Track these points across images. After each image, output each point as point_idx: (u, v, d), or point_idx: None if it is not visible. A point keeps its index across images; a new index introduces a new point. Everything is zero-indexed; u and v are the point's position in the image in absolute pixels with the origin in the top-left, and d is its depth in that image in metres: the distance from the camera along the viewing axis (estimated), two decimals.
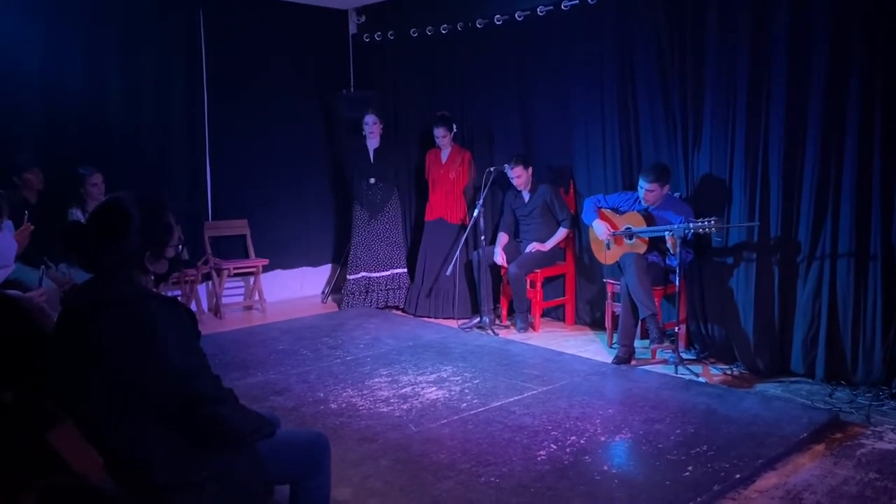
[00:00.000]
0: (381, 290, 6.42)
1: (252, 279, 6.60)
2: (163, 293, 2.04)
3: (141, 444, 1.85)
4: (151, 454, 1.85)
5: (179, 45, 6.16)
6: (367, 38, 7.04)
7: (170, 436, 1.87)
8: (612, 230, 4.96)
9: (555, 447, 3.37)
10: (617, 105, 5.34)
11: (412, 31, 6.59)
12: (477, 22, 6.13)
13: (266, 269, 6.57)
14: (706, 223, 4.36)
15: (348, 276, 6.41)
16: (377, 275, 6.43)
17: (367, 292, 6.41)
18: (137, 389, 1.83)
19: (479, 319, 5.72)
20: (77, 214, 5.09)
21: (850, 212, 4.18)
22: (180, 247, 2.07)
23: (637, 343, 4.85)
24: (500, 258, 5.71)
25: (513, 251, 5.80)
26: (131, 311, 1.85)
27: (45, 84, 5.48)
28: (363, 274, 6.40)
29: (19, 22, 5.34)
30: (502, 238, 5.87)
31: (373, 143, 6.36)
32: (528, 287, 5.65)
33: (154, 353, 1.82)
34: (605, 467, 3.16)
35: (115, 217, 1.93)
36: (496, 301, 6.00)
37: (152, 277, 2.01)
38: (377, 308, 6.37)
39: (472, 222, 5.79)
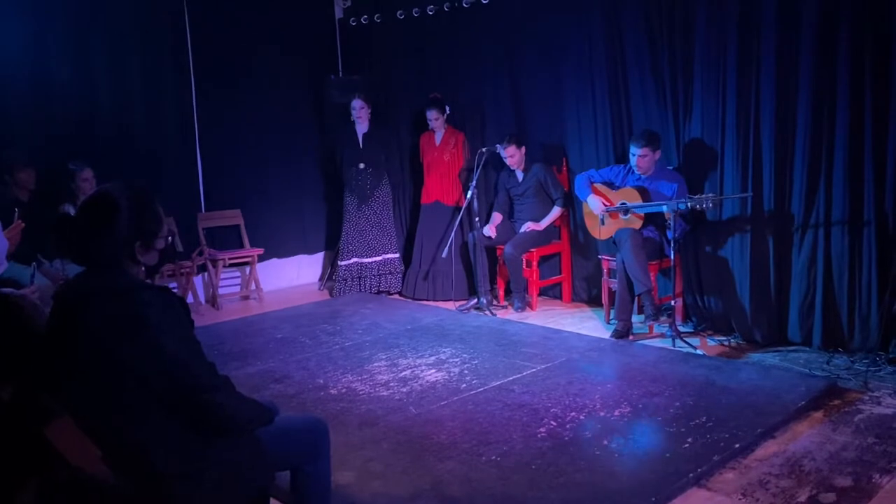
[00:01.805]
0: (373, 276, 6.42)
1: (248, 269, 6.59)
2: (156, 284, 2.03)
3: (138, 434, 1.85)
4: (149, 444, 1.86)
5: (165, 36, 6.10)
6: (353, 21, 6.98)
7: (167, 425, 1.87)
8: (606, 205, 4.95)
9: (555, 424, 3.38)
10: (607, 79, 5.32)
11: (398, 13, 6.53)
12: (463, 1, 6.08)
13: (262, 258, 6.56)
14: (702, 198, 4.35)
15: (340, 263, 6.40)
16: (369, 260, 6.41)
17: (359, 278, 6.40)
18: (133, 380, 1.83)
19: (476, 301, 5.72)
20: (69, 210, 5.07)
21: (842, 179, 4.18)
22: (170, 238, 2.06)
23: (634, 318, 4.87)
24: (489, 230, 5.71)
25: (508, 231, 5.80)
26: (124, 301, 1.85)
27: (33, 81, 5.42)
28: (355, 260, 6.39)
29: (4, 18, 5.28)
30: (496, 217, 5.87)
31: (361, 127, 6.32)
32: (524, 266, 5.65)
33: (148, 343, 1.82)
34: (606, 442, 3.18)
35: (104, 207, 1.92)
36: (493, 282, 6.00)
37: (143, 269, 2.01)
38: (371, 294, 6.37)
39: (466, 204, 5.78)
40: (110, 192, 1.95)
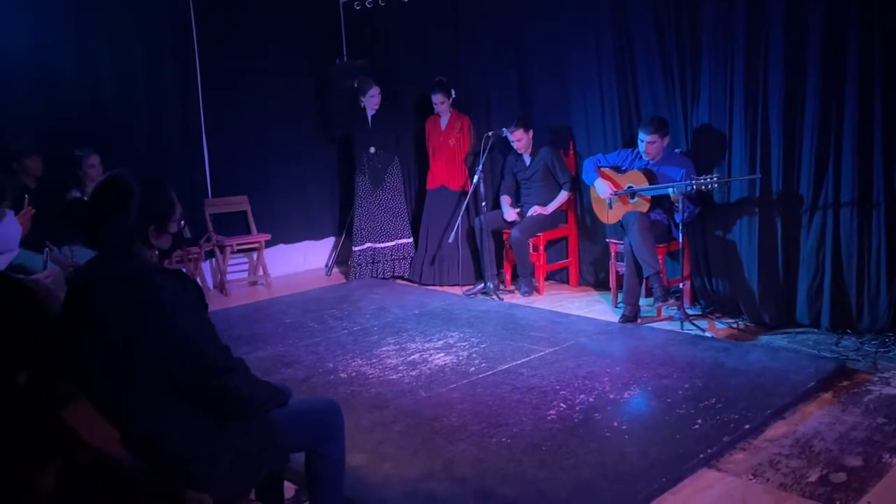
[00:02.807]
0: (387, 261, 6.42)
1: (255, 255, 6.61)
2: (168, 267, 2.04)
3: (154, 416, 1.87)
4: (165, 426, 1.87)
5: (169, 22, 6.08)
6: (357, 5, 6.94)
7: (183, 408, 1.89)
8: (614, 189, 4.93)
9: (564, 406, 3.40)
10: (614, 62, 5.28)
11: None
12: None
13: (269, 244, 6.58)
14: (708, 179, 4.34)
15: (354, 248, 6.41)
16: (382, 245, 6.42)
17: (373, 263, 6.40)
18: (147, 363, 1.84)
19: (483, 285, 5.73)
20: (76, 196, 5.08)
21: (851, 160, 4.16)
22: (182, 222, 2.07)
23: (642, 301, 4.86)
24: (511, 215, 5.70)
25: None
26: (137, 285, 1.86)
27: (36, 70, 5.42)
28: (369, 245, 6.39)
29: (6, 8, 5.27)
30: (506, 200, 5.86)
31: (371, 112, 6.30)
32: (530, 251, 5.65)
33: (162, 326, 1.82)
34: (615, 423, 3.19)
35: (117, 191, 1.93)
36: (499, 266, 6.00)
37: (157, 252, 2.01)
38: (383, 278, 6.38)
39: (472, 188, 5.77)
40: (123, 176, 1.96)
